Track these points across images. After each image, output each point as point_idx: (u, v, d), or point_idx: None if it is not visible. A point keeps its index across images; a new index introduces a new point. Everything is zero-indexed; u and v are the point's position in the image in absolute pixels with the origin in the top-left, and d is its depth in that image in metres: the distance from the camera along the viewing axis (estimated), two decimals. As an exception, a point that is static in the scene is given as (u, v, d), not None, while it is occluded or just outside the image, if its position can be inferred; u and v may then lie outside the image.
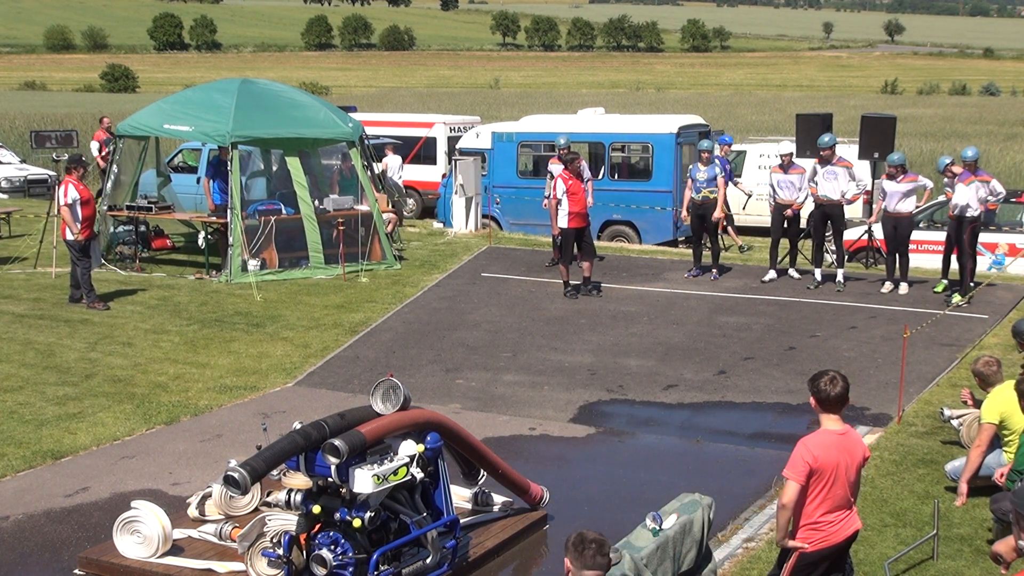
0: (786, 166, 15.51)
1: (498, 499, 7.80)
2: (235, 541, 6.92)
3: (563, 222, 15.01)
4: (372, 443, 6.36)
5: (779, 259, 16.01)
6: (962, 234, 14.23)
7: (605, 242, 19.50)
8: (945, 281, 14.82)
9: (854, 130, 20.92)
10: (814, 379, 5.63)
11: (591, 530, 4.61)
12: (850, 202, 15.54)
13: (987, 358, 8.33)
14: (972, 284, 14.44)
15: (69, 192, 14.11)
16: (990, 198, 14.45)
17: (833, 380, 5.55)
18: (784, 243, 15.96)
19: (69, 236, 14.20)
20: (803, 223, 16.11)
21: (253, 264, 15.90)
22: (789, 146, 16.13)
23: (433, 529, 6.68)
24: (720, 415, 10.57)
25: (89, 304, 14.19)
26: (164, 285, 15.82)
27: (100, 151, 22.95)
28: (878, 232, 15.91)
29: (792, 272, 15.81)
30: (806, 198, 15.54)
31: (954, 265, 14.65)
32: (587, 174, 17.16)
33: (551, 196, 15.39)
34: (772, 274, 15.74)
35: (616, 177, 20.11)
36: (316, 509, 6.27)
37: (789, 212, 15.52)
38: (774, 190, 15.57)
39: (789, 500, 5.54)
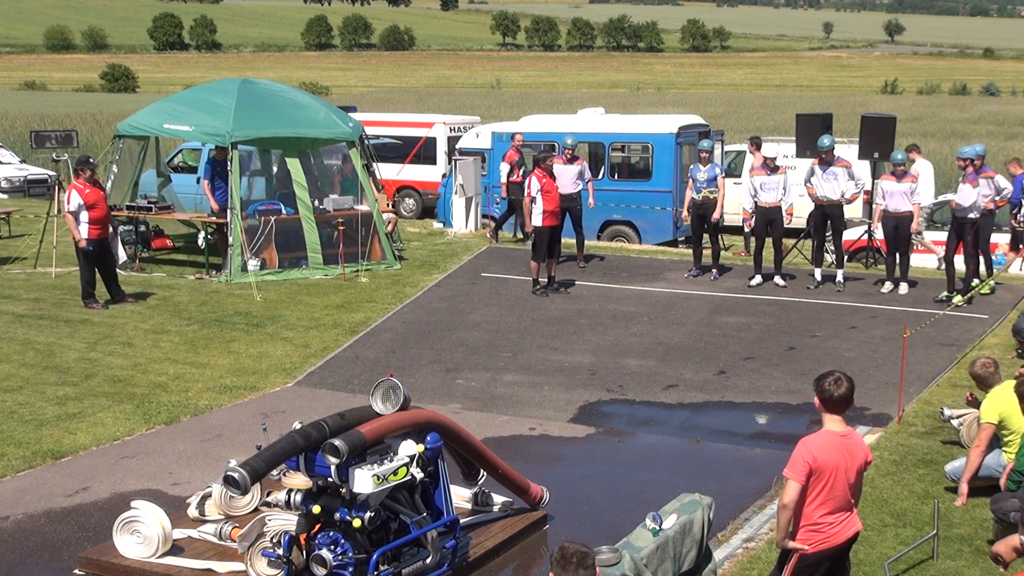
0: (771, 168, 15.37)
1: (498, 499, 7.80)
2: (235, 541, 6.92)
3: (537, 220, 15.01)
4: (372, 443, 6.36)
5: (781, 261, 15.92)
6: (965, 236, 14.22)
7: (605, 242, 19.50)
8: (958, 293, 14.21)
9: (854, 130, 20.91)
10: (820, 379, 5.63)
11: (574, 542, 4.62)
12: (849, 202, 15.53)
13: (984, 360, 8.32)
14: (976, 282, 14.39)
15: (72, 198, 14.02)
16: (996, 196, 14.44)
17: (838, 381, 5.55)
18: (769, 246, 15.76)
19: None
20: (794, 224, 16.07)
21: (253, 264, 15.90)
22: (773, 148, 16.05)
23: (433, 529, 6.68)
24: (720, 415, 10.58)
25: (87, 304, 14.19)
26: (164, 285, 15.81)
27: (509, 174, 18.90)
28: (878, 232, 15.88)
29: (777, 279, 15.56)
30: (791, 203, 15.51)
31: (960, 266, 14.58)
32: (587, 174, 17.17)
33: (526, 194, 15.35)
34: (758, 279, 15.62)
35: (616, 177, 20.10)
36: (316, 509, 6.27)
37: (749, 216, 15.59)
38: (756, 192, 15.39)
39: (790, 500, 5.53)
